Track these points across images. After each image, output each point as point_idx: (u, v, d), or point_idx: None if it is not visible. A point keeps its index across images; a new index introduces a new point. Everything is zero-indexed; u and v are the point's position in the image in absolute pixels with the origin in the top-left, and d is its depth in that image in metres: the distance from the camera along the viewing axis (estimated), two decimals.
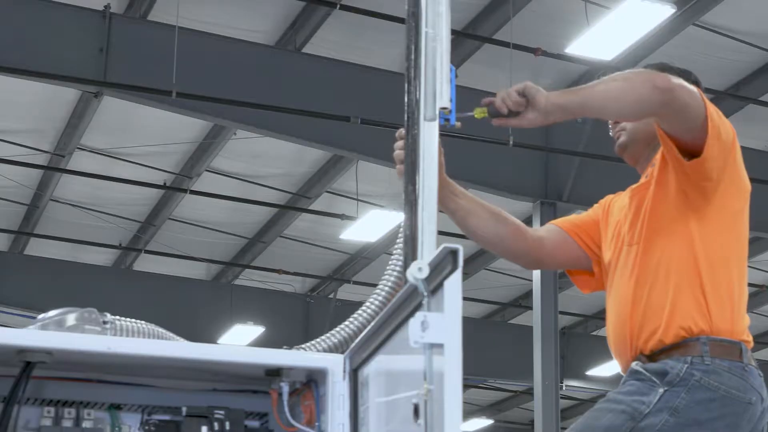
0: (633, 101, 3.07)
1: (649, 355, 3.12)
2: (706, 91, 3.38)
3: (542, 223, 3.73)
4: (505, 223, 3.46)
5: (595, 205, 3.53)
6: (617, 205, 3.41)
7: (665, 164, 3.21)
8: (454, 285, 1.93)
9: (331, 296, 18.59)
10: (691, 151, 3.12)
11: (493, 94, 3.07)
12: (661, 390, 3.05)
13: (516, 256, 3.54)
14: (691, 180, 3.15)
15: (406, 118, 2.55)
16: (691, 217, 3.17)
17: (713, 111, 3.12)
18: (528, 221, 12.42)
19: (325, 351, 2.74)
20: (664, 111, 3.10)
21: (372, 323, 2.43)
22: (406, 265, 2.49)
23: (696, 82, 3.38)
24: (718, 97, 12.47)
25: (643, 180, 3.33)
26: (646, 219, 3.22)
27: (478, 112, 3.07)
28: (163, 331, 2.73)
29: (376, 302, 2.76)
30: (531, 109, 3.01)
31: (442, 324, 1.94)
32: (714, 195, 3.16)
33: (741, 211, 3.23)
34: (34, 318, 2.71)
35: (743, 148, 3.34)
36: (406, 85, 2.55)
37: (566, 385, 19.33)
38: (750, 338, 3.17)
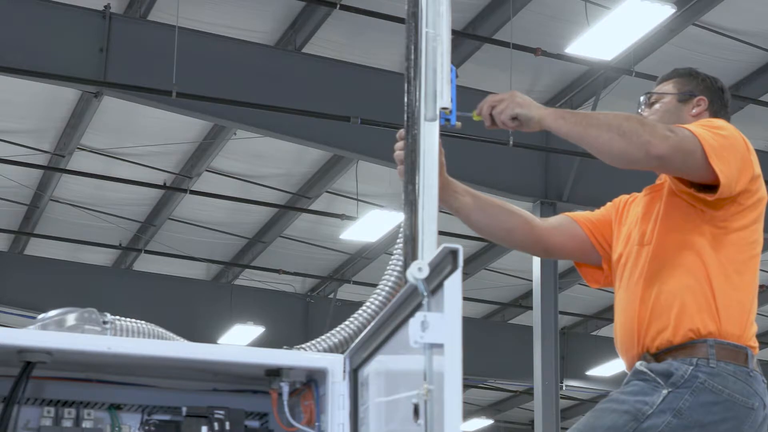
0: (624, 160, 3.09)
1: (655, 353, 3.12)
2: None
3: None
4: (510, 215, 3.48)
5: (608, 204, 3.53)
6: (633, 205, 3.41)
7: None
8: (454, 285, 1.93)
9: (331, 296, 18.58)
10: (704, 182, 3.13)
11: (494, 94, 3.11)
12: (664, 391, 3.04)
13: (525, 247, 3.57)
14: (709, 201, 3.16)
15: (406, 118, 2.55)
16: (703, 220, 3.16)
17: (716, 144, 3.10)
18: None
19: (325, 351, 2.74)
20: (657, 170, 3.16)
21: (372, 323, 2.43)
22: (406, 265, 2.49)
23: (721, 89, 3.41)
24: None
25: (658, 181, 3.34)
26: (658, 220, 3.22)
27: (476, 115, 3.11)
28: (163, 331, 2.73)
29: (376, 302, 2.75)
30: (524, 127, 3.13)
31: (442, 324, 1.93)
32: (727, 202, 3.16)
33: (756, 218, 3.22)
34: (34, 318, 2.71)
35: None
36: (406, 85, 2.55)
37: (566, 385, 19.32)
38: (756, 344, 3.16)
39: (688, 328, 3.08)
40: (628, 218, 3.38)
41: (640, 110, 3.44)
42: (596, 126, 3.08)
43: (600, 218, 3.50)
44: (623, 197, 3.50)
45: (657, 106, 3.42)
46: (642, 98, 3.47)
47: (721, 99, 3.44)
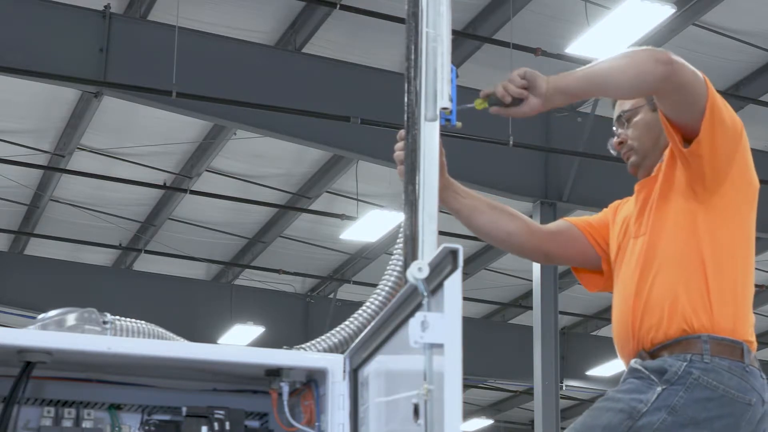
0: (633, 75, 3.07)
1: (650, 350, 3.11)
2: None
3: (542, 224, 3.72)
4: (511, 219, 3.47)
5: (606, 209, 3.53)
6: (626, 205, 3.41)
7: (673, 160, 3.20)
8: (454, 285, 1.93)
9: (331, 296, 18.59)
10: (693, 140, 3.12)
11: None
12: (659, 388, 3.03)
13: (524, 252, 3.54)
14: (692, 169, 3.13)
15: (406, 118, 2.55)
16: (698, 212, 3.15)
17: (718, 98, 3.11)
18: None
19: (325, 351, 2.74)
20: (664, 86, 3.06)
21: (372, 323, 2.43)
22: (406, 265, 2.49)
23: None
24: None
25: (651, 174, 3.33)
26: (652, 212, 3.21)
27: (479, 103, 3.09)
28: (163, 331, 2.74)
29: (376, 302, 2.76)
30: (532, 96, 3.03)
31: (442, 324, 1.93)
32: (721, 189, 3.15)
33: (749, 210, 3.21)
34: (34, 318, 2.71)
35: None
36: (406, 85, 2.54)
37: (566, 385, 19.32)
38: (754, 339, 3.15)
39: (681, 320, 3.08)
40: (621, 216, 3.38)
41: (615, 139, 3.41)
42: (599, 65, 3.12)
43: (598, 221, 3.51)
44: (618, 201, 3.50)
45: (635, 119, 3.36)
46: (615, 123, 3.44)
47: None
